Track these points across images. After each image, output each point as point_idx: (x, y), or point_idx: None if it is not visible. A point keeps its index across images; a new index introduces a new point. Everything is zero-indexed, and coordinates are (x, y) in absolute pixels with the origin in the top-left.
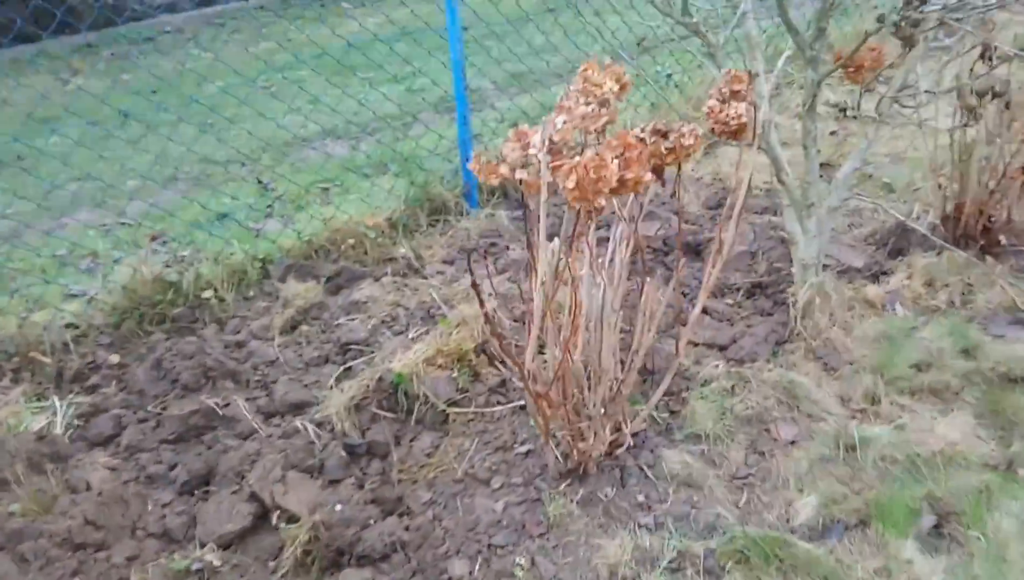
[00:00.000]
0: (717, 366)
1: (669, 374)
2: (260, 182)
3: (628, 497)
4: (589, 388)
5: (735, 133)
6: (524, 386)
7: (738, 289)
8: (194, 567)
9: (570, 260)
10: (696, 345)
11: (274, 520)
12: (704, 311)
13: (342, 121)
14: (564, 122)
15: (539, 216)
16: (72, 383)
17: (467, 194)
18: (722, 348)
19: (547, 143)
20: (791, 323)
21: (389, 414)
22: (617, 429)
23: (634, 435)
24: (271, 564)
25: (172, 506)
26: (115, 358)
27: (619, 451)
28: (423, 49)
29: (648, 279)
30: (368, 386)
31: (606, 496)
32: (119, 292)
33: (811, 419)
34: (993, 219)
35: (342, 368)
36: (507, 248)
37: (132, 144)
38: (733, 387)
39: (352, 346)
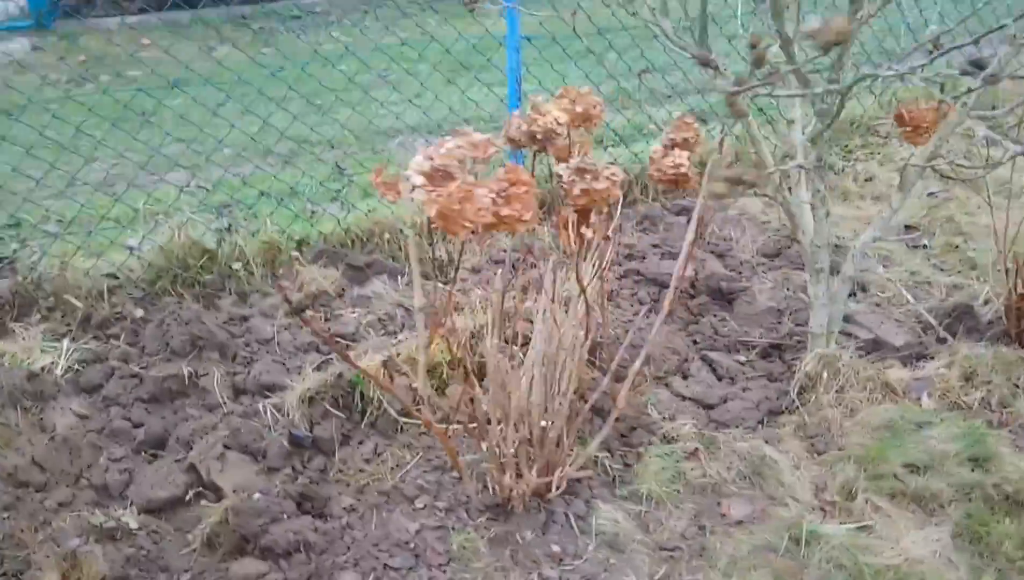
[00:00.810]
0: (685, 425)
1: (608, 423)
2: (338, 167)
3: (544, 545)
4: (513, 426)
5: (675, 182)
6: (415, 412)
7: (754, 347)
8: (108, 524)
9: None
10: (684, 398)
11: (191, 496)
12: (710, 365)
13: (441, 118)
14: (457, 147)
15: (412, 245)
16: (94, 329)
17: None
18: (708, 407)
19: (430, 167)
20: (791, 394)
21: (341, 413)
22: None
23: (577, 481)
24: (188, 537)
25: (120, 462)
26: (139, 312)
27: (552, 495)
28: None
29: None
30: (327, 381)
31: (522, 539)
32: (157, 251)
33: (771, 501)
34: None
35: (322, 359)
36: (533, 265)
37: (243, 114)
38: (696, 450)
39: (339, 338)
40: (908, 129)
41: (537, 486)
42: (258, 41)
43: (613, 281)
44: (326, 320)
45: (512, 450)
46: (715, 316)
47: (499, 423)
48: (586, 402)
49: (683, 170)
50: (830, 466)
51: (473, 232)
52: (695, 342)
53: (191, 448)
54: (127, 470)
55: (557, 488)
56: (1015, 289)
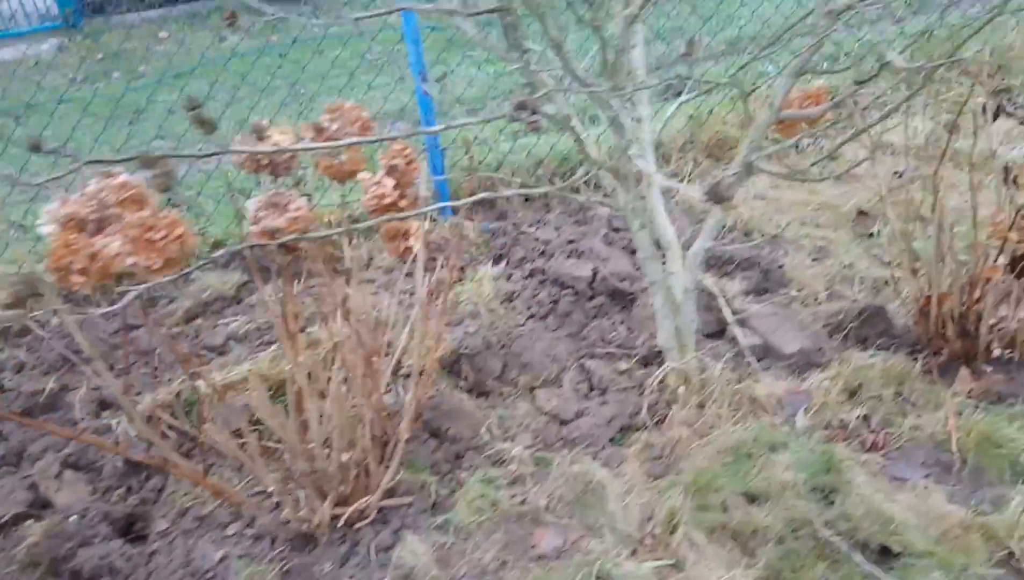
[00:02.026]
0: (518, 446)
1: (399, 444)
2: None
3: (338, 578)
4: (305, 454)
5: (384, 210)
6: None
7: (637, 356)
8: None
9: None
10: (542, 413)
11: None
12: (586, 374)
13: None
14: (99, 192)
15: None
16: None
17: (441, 195)
18: (563, 422)
19: (64, 214)
20: (643, 411)
21: (177, 432)
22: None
23: (394, 508)
24: (13, 555)
25: None
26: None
27: (362, 524)
28: None
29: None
30: (168, 399)
31: (319, 571)
32: None
33: (587, 533)
34: (966, 323)
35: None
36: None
37: (229, 104)
38: (523, 474)
39: (206, 350)
40: (781, 123)
41: (350, 515)
42: (267, 28)
43: (518, 281)
44: (213, 327)
45: (297, 480)
46: (609, 319)
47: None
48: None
49: (388, 200)
50: (662, 493)
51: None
52: (579, 348)
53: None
54: None
55: (364, 517)
56: (929, 287)
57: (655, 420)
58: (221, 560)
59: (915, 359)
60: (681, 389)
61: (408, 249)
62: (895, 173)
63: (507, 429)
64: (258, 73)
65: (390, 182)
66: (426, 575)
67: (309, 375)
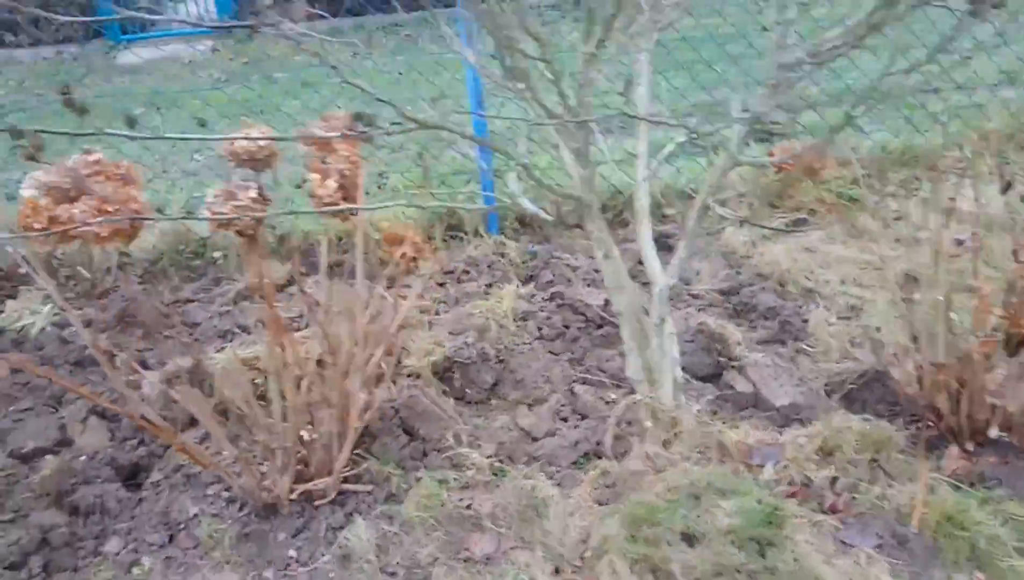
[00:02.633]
0: (478, 455)
1: (347, 443)
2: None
3: (286, 548)
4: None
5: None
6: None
7: (627, 388)
8: None
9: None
10: (517, 429)
11: (54, 448)
12: (572, 398)
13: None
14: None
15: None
16: (94, 298)
17: (487, 218)
18: (534, 440)
19: (45, 182)
20: (606, 440)
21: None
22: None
23: (355, 494)
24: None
25: (21, 413)
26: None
27: (322, 502)
28: None
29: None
30: (183, 369)
31: (272, 539)
32: (160, 235)
33: (521, 545)
34: (961, 399)
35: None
36: (458, 280)
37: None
38: (476, 481)
39: (240, 329)
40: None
41: (308, 491)
42: (399, 47)
43: (538, 302)
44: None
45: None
46: (613, 349)
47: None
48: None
49: (329, 200)
50: (602, 520)
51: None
52: (574, 373)
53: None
54: (21, 419)
55: (323, 497)
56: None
57: (621, 451)
58: (194, 516)
59: (906, 429)
60: (649, 424)
61: (404, 255)
62: (956, 240)
63: (477, 437)
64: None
65: (333, 184)
66: (362, 558)
67: (286, 360)
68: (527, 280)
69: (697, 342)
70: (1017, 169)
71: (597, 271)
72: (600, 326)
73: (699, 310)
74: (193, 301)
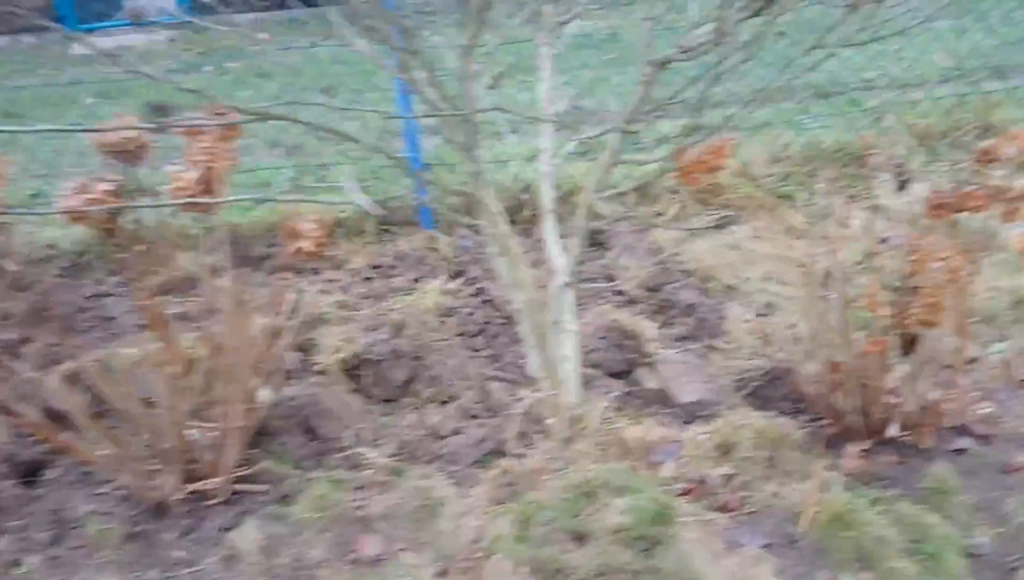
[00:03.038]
0: (378, 455)
1: (238, 443)
2: None
3: (173, 548)
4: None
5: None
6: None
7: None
8: None
9: None
10: (424, 427)
11: None
12: (484, 394)
13: None
14: None
15: None
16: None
17: (422, 211)
18: (440, 438)
19: None
20: (510, 438)
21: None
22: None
23: (249, 494)
24: None
25: None
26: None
27: (213, 503)
28: None
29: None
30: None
31: (160, 539)
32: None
33: (410, 546)
34: (861, 397)
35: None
36: (386, 274)
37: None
38: (372, 482)
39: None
40: (681, 171)
41: (196, 491)
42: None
43: (463, 298)
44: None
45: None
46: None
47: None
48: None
49: (188, 192)
50: (495, 519)
51: None
52: (491, 370)
53: None
54: None
55: (213, 497)
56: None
57: (524, 449)
58: (85, 514)
59: (808, 427)
60: (551, 421)
61: (301, 249)
62: (881, 239)
63: (380, 436)
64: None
65: (193, 176)
66: (247, 560)
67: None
68: (455, 275)
69: (609, 339)
70: (943, 167)
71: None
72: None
73: (618, 307)
74: (112, 295)
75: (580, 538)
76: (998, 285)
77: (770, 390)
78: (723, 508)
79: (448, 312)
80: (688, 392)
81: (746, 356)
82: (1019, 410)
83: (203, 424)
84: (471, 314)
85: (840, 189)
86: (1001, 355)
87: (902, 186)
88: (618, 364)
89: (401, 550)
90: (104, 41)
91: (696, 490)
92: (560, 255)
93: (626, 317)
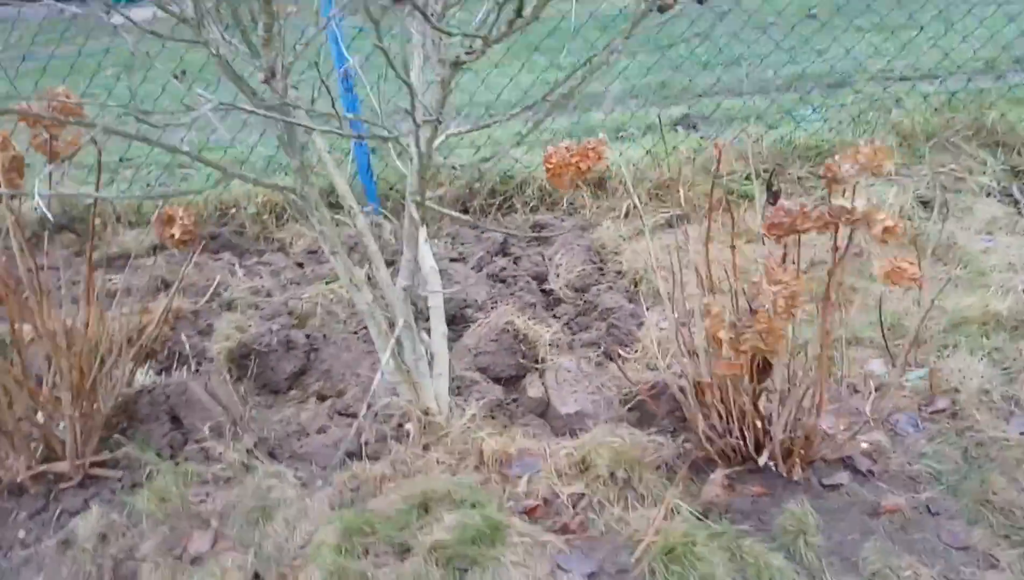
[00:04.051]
0: (230, 450)
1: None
2: None
3: (19, 528)
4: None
5: None
6: None
7: None
8: None
9: None
10: (293, 423)
11: None
12: (367, 393)
13: None
14: None
15: None
16: None
17: (368, 195)
18: (304, 435)
19: None
20: (369, 441)
21: None
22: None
23: (103, 479)
24: None
25: None
26: None
27: (68, 485)
28: None
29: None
30: None
31: (9, 520)
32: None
33: (237, 546)
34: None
35: None
36: (320, 260)
37: None
38: (220, 476)
39: None
40: (550, 171)
41: (47, 474)
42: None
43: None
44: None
45: None
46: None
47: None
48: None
49: None
50: (326, 525)
51: None
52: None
53: None
54: None
55: (70, 480)
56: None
57: (381, 452)
58: None
59: (682, 447)
60: (409, 426)
61: (172, 235)
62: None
63: (244, 430)
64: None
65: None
66: (81, 547)
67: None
68: (388, 264)
69: (501, 342)
70: (923, 170)
71: (453, 261)
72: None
73: (531, 308)
74: (56, 268)
75: (403, 552)
76: (943, 306)
77: (657, 406)
78: (563, 530)
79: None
80: (569, 403)
81: (644, 368)
82: (915, 444)
83: (61, 406)
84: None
85: (806, 190)
86: (919, 382)
87: (775, 199)
88: (508, 369)
89: (228, 549)
90: (138, 12)
91: (540, 509)
92: (428, 255)
93: (522, 321)
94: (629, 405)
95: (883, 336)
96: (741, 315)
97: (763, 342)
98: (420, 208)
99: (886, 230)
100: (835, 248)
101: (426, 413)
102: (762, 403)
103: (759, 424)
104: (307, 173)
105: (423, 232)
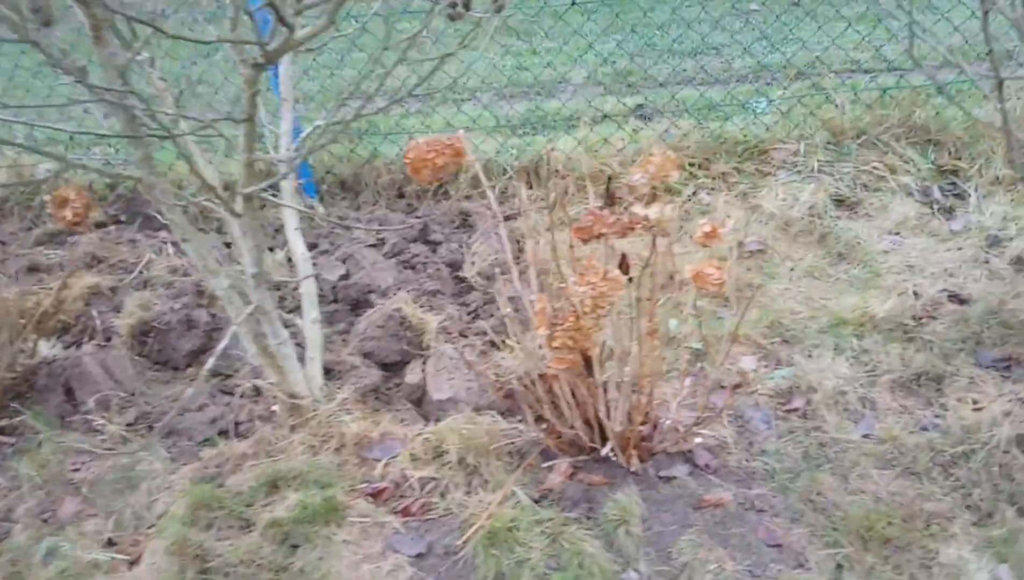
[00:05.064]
0: (111, 423)
1: None
2: None
3: None
4: None
5: None
6: None
7: None
8: None
9: None
10: (177, 400)
11: None
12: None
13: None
14: None
15: None
16: None
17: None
18: (185, 412)
19: None
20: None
21: None
22: None
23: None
24: None
25: None
26: None
27: None
28: None
29: None
30: None
31: None
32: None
33: (99, 513)
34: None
35: None
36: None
37: None
38: (98, 448)
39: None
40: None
41: None
42: None
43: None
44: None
45: None
46: (332, 326)
47: None
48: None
49: None
50: (183, 497)
51: None
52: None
53: None
54: None
55: None
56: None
57: (253, 431)
58: None
59: (539, 437)
60: (276, 409)
61: (64, 217)
62: (739, 242)
63: (131, 405)
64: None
65: None
66: None
67: None
68: (310, 247)
69: (388, 328)
70: (846, 167)
71: (371, 246)
72: (332, 302)
73: (427, 294)
74: (4, 243)
75: (244, 528)
76: (828, 305)
77: (528, 394)
78: (404, 512)
79: (277, 286)
80: (443, 390)
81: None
82: (763, 441)
83: None
84: (295, 289)
85: (729, 186)
86: (783, 380)
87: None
88: (393, 355)
89: (91, 516)
90: None
91: (387, 491)
92: (300, 244)
93: (412, 308)
94: (501, 393)
95: (733, 335)
96: (558, 313)
97: (571, 340)
98: (248, 200)
99: (706, 235)
100: (651, 252)
101: (292, 396)
102: (608, 396)
103: (600, 416)
104: (152, 162)
105: (292, 220)
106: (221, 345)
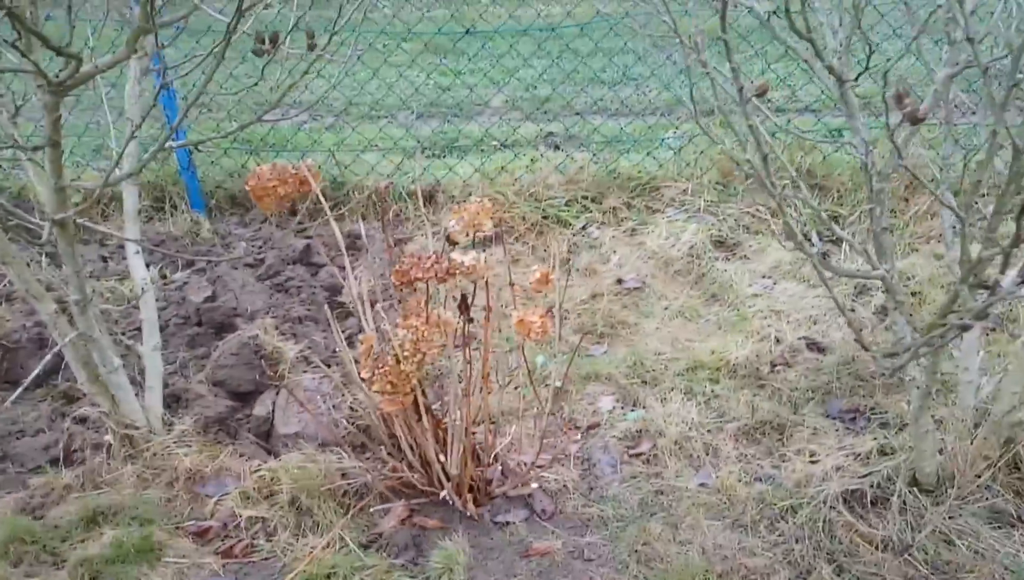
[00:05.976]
0: None
1: None
2: None
3: None
4: None
5: None
6: None
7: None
8: None
9: None
10: (15, 423)
11: None
12: None
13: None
14: None
15: None
16: None
17: (190, 192)
18: (23, 436)
19: None
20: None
21: None
22: None
23: None
24: None
25: None
26: None
27: None
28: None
29: None
30: None
31: None
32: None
33: None
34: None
35: None
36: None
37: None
38: None
39: None
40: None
41: None
42: None
43: (172, 290)
44: None
45: None
46: (193, 350)
47: None
48: None
49: None
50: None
51: None
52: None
53: None
54: None
55: None
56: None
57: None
58: None
59: (380, 476)
60: (108, 438)
61: None
62: (619, 280)
63: None
64: None
65: None
66: None
67: None
68: (187, 265)
69: (242, 356)
70: (729, 208)
71: (250, 266)
72: (198, 324)
73: (293, 320)
74: None
75: (56, 564)
76: (691, 347)
77: (374, 432)
78: (226, 554)
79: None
80: (290, 424)
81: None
82: (606, 486)
83: None
84: (165, 309)
85: (618, 221)
86: (634, 423)
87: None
88: (246, 384)
89: None
90: None
91: (212, 531)
92: (139, 265)
93: (269, 336)
94: (347, 431)
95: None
96: (383, 354)
97: (390, 385)
98: (63, 227)
99: (538, 281)
100: (487, 302)
101: (127, 426)
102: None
103: (439, 459)
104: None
105: (132, 244)
106: (32, 374)
